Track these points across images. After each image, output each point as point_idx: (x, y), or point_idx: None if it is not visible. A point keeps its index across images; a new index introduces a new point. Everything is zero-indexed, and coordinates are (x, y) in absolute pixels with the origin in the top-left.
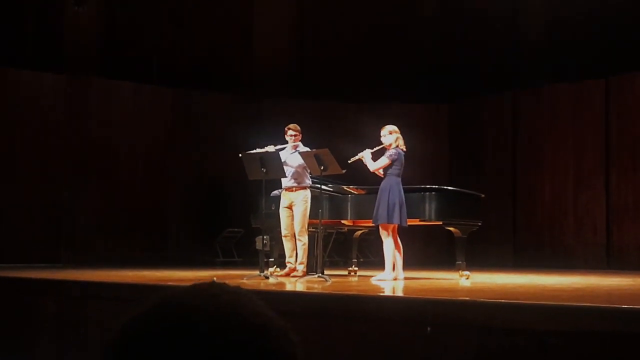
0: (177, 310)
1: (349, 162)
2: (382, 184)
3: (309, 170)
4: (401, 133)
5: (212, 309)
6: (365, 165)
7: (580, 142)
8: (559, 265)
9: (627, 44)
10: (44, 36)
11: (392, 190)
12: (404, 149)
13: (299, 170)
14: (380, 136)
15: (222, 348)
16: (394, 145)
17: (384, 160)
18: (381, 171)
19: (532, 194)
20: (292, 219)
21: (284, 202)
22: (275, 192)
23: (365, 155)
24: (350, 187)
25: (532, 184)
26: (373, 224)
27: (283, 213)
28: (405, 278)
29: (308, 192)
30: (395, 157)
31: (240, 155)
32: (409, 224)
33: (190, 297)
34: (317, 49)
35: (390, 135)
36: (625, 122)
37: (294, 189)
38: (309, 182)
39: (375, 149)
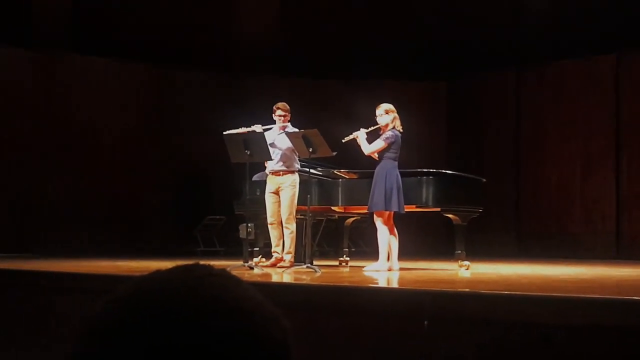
0: (157, 293)
1: (343, 141)
2: (378, 168)
3: (297, 154)
4: (397, 111)
5: (195, 292)
6: (359, 147)
7: (588, 123)
8: (565, 255)
9: (639, 17)
10: (10, 8)
11: (389, 175)
12: (401, 130)
13: (287, 153)
14: (375, 115)
15: (207, 334)
16: (390, 126)
17: (379, 143)
18: (376, 154)
19: (537, 180)
20: (279, 205)
21: (270, 187)
22: (258, 175)
23: (360, 136)
24: (341, 170)
25: (536, 168)
26: (368, 212)
27: (269, 199)
28: (401, 269)
29: (296, 177)
30: (392, 139)
31: (223, 134)
32: (405, 210)
33: (171, 279)
34: (306, 22)
35: (387, 115)
36: (637, 101)
37: (281, 172)
38: (297, 166)
39: (370, 129)
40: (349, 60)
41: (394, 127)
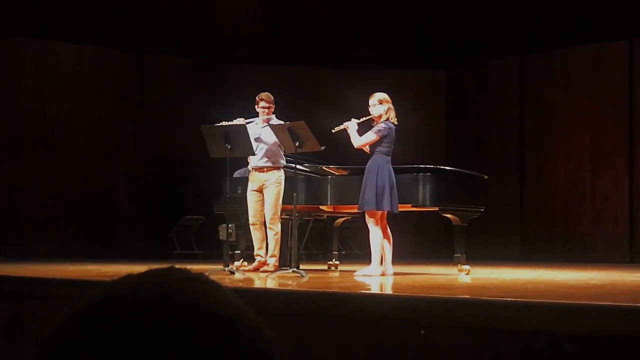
0: (129, 299)
1: (333, 131)
2: (369, 163)
3: (283, 148)
4: (392, 102)
5: (171, 297)
6: (350, 139)
7: (599, 115)
8: (574, 259)
9: None
10: None
11: (381, 170)
12: (396, 122)
13: (272, 148)
14: (368, 105)
15: (184, 343)
16: (384, 118)
17: (370, 136)
18: (367, 148)
19: (543, 176)
20: (262, 205)
21: (252, 185)
22: (240, 171)
23: (351, 126)
24: (331, 166)
25: (542, 164)
26: (359, 211)
27: (251, 197)
28: (395, 273)
29: (282, 173)
30: (385, 132)
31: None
32: (399, 210)
33: (144, 284)
34: (294, 5)
35: (381, 106)
36: None
37: (265, 169)
38: (283, 162)
39: (362, 120)
40: (340, 46)
41: (387, 119)
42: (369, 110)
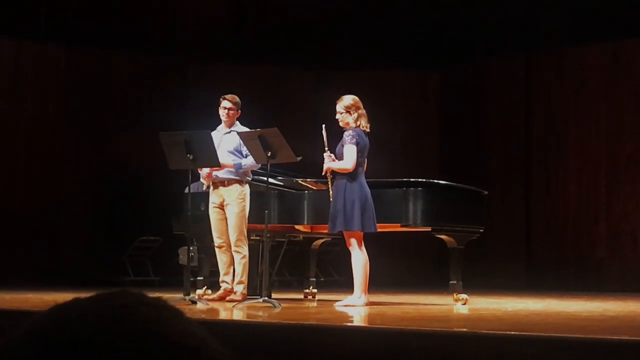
0: (72, 325)
1: (331, 198)
2: (337, 178)
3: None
4: (377, 107)
5: (122, 324)
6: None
7: (616, 122)
8: (587, 287)
9: None
10: None
11: (349, 185)
12: (366, 129)
13: (234, 156)
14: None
15: None
16: (352, 125)
17: (351, 151)
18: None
19: (552, 192)
20: (227, 224)
21: (213, 201)
22: (192, 186)
23: (328, 165)
24: (308, 180)
25: (551, 177)
26: (329, 232)
27: (214, 215)
28: (382, 303)
29: (245, 187)
30: (358, 138)
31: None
32: (386, 230)
33: (91, 308)
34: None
35: (349, 115)
36: None
37: (225, 182)
38: None
39: (327, 145)
40: (318, 44)
41: (357, 126)
42: (337, 116)
